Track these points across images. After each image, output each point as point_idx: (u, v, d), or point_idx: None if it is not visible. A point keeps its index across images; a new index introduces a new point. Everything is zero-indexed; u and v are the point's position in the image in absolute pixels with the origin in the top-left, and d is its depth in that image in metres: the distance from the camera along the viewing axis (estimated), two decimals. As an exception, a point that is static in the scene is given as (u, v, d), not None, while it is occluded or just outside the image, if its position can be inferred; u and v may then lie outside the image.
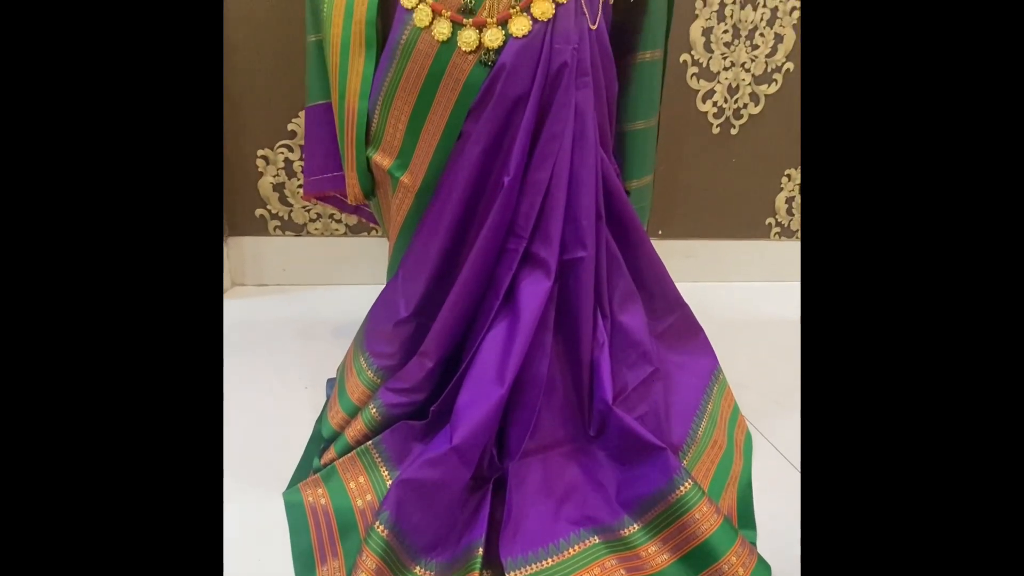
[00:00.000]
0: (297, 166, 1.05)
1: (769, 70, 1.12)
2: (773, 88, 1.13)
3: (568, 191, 0.54)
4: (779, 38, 1.10)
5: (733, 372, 0.83)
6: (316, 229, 1.09)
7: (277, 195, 1.06)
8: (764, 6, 1.07)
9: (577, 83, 0.54)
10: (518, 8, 0.51)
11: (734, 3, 1.06)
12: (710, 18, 1.06)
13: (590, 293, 0.55)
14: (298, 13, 0.93)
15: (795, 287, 1.26)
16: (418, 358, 0.55)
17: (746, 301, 1.19)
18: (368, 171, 0.64)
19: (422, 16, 0.53)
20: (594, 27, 0.55)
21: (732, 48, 1.09)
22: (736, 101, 1.13)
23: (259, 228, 1.08)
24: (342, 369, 0.70)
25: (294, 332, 0.93)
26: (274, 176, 1.05)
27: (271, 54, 0.96)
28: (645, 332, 0.58)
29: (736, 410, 0.68)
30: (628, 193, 0.71)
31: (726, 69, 1.10)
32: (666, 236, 1.22)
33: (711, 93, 1.12)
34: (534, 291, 0.52)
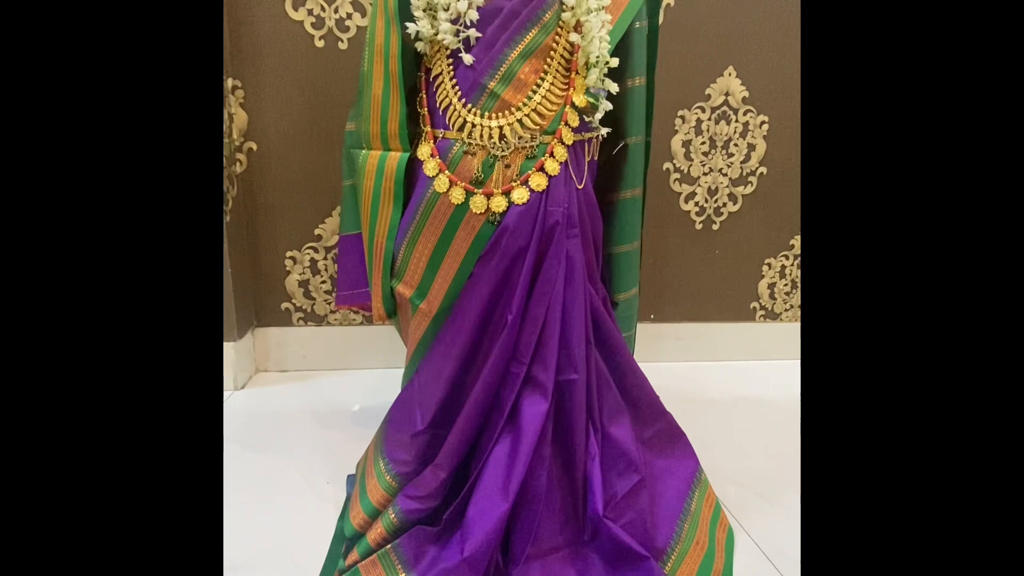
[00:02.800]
0: (321, 265, 1.16)
1: (744, 174, 1.25)
2: (749, 189, 1.26)
3: (561, 323, 0.64)
4: (751, 147, 1.24)
5: (718, 458, 0.90)
6: (335, 319, 1.20)
7: (302, 290, 1.17)
8: (736, 121, 1.21)
9: (567, 234, 0.65)
10: (518, 181, 0.63)
11: (710, 119, 1.20)
12: (688, 132, 1.21)
13: (582, 410, 0.64)
14: (325, 131, 1.08)
15: (780, 365, 1.35)
16: (432, 469, 0.64)
17: (734, 380, 1.27)
18: (391, 296, 0.74)
19: (441, 183, 0.65)
20: (580, 187, 0.67)
21: (710, 156, 1.23)
22: (716, 201, 1.26)
23: (284, 320, 1.18)
24: (363, 467, 0.78)
25: (314, 419, 1.01)
26: (300, 274, 1.16)
27: (301, 167, 1.10)
28: (632, 442, 0.66)
29: (718, 509, 0.74)
30: (616, 305, 0.81)
31: (705, 174, 1.24)
32: (657, 320, 1.32)
33: (692, 195, 1.25)
34: (534, 412, 0.61)
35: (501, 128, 0.62)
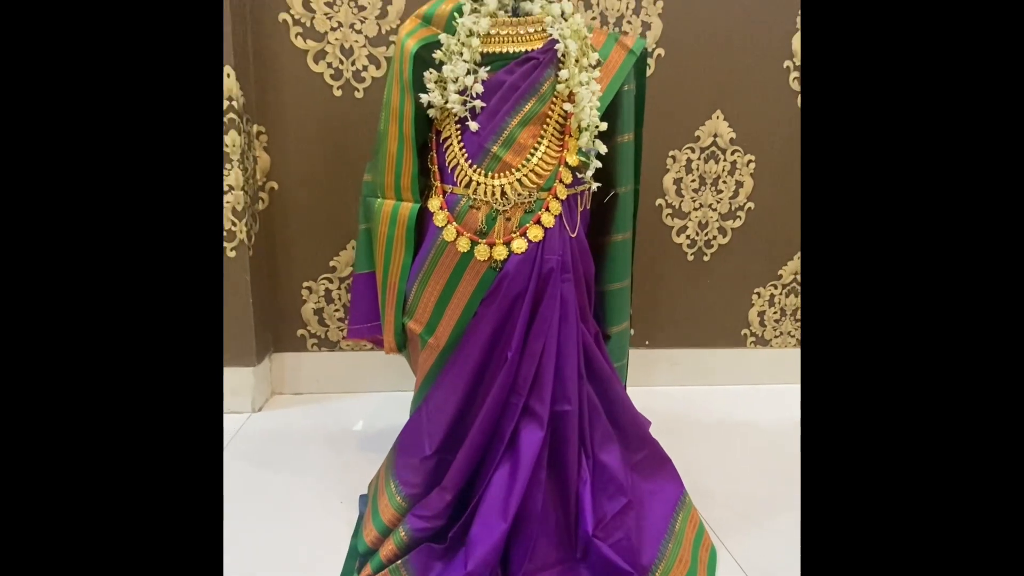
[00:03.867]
0: (335, 294, 1.24)
1: (733, 209, 1.33)
2: (738, 223, 1.34)
3: (556, 359, 0.71)
4: (739, 184, 1.32)
5: (707, 480, 0.96)
6: (347, 346, 1.27)
7: (317, 318, 1.25)
8: (725, 160, 1.29)
9: (561, 278, 0.72)
10: (518, 233, 0.71)
11: (699, 159, 1.28)
12: (679, 171, 1.29)
13: (575, 438, 0.71)
14: (340, 172, 1.17)
15: (772, 389, 1.41)
16: (439, 491, 0.70)
17: (726, 404, 1.32)
18: (402, 332, 0.82)
19: (449, 233, 0.73)
20: (574, 235, 0.75)
21: (700, 193, 1.31)
22: (706, 234, 1.33)
23: (299, 346, 1.26)
24: (374, 488, 0.84)
25: (327, 440, 1.08)
26: (315, 303, 1.24)
27: (317, 205, 1.19)
28: (620, 468, 0.73)
29: (701, 529, 0.80)
30: (608, 338, 0.88)
31: (696, 209, 1.31)
32: (652, 346, 1.39)
33: (684, 229, 1.32)
34: (531, 440, 0.68)
35: (503, 186, 0.70)
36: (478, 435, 0.70)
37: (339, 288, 1.24)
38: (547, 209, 0.71)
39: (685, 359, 1.40)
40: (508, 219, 0.71)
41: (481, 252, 0.71)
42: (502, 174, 0.70)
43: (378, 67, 1.13)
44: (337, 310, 1.25)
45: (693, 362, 1.40)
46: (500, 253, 0.71)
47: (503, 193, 0.71)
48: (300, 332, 1.25)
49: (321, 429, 1.12)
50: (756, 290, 1.39)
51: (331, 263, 1.23)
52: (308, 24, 1.11)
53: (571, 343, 0.72)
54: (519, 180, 0.70)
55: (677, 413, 1.29)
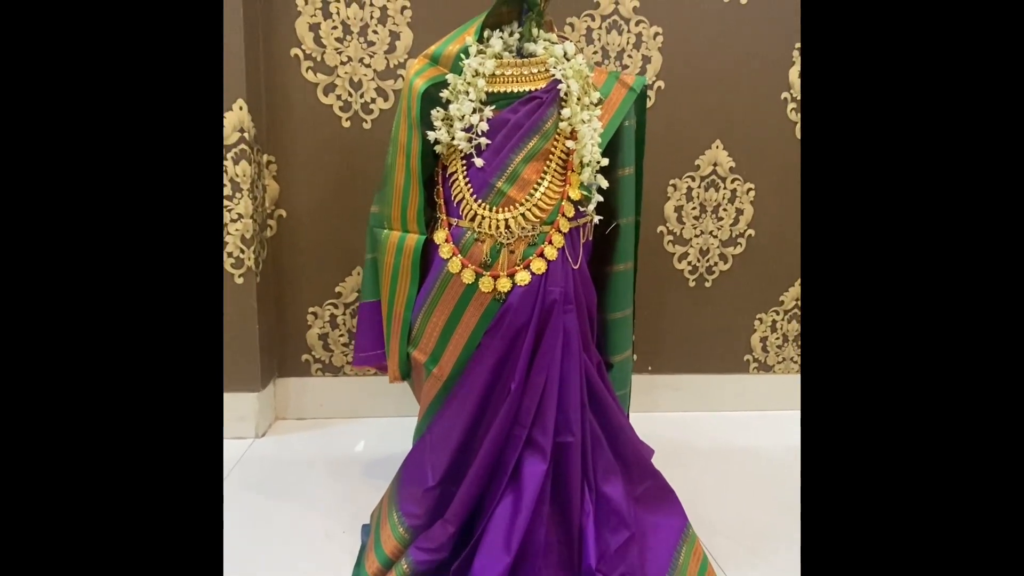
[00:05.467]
0: (340, 320, 1.25)
1: (734, 235, 1.34)
2: (739, 249, 1.35)
3: (559, 390, 0.72)
4: (740, 211, 1.33)
5: (710, 510, 0.95)
6: (352, 371, 1.28)
7: (321, 343, 1.26)
8: (725, 188, 1.32)
9: (564, 309, 0.74)
10: (521, 266, 0.72)
11: (699, 187, 1.31)
12: (680, 199, 1.31)
13: (578, 470, 0.71)
14: (347, 200, 1.19)
15: (774, 416, 1.40)
16: (442, 523, 0.70)
17: (729, 430, 1.32)
18: (407, 360, 0.83)
19: (454, 265, 0.74)
20: (576, 267, 0.76)
21: (700, 220, 1.33)
22: (707, 260, 1.35)
23: (303, 370, 1.27)
24: (377, 518, 0.84)
25: (330, 467, 1.08)
26: (320, 328, 1.25)
27: (324, 232, 1.21)
28: (623, 500, 0.73)
29: (705, 562, 0.80)
30: (611, 366, 0.89)
31: (697, 236, 1.33)
32: (655, 371, 1.39)
33: (685, 255, 1.34)
34: (534, 473, 0.68)
35: (507, 220, 0.72)
36: (481, 467, 0.70)
37: (344, 314, 1.25)
38: (550, 242, 0.73)
39: (688, 385, 1.40)
40: (512, 252, 0.73)
41: (485, 284, 0.73)
42: (506, 208, 0.72)
43: (386, 99, 1.17)
44: (342, 335, 1.26)
45: (696, 388, 1.40)
46: (504, 285, 0.72)
47: (507, 227, 0.72)
48: (305, 357, 1.26)
49: (324, 455, 1.12)
50: (758, 316, 1.40)
51: (337, 289, 1.24)
52: (319, 58, 1.14)
53: (574, 374, 0.72)
54: (523, 214, 0.72)
55: (680, 440, 1.28)
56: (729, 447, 1.24)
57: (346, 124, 1.17)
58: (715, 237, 1.34)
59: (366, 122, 1.17)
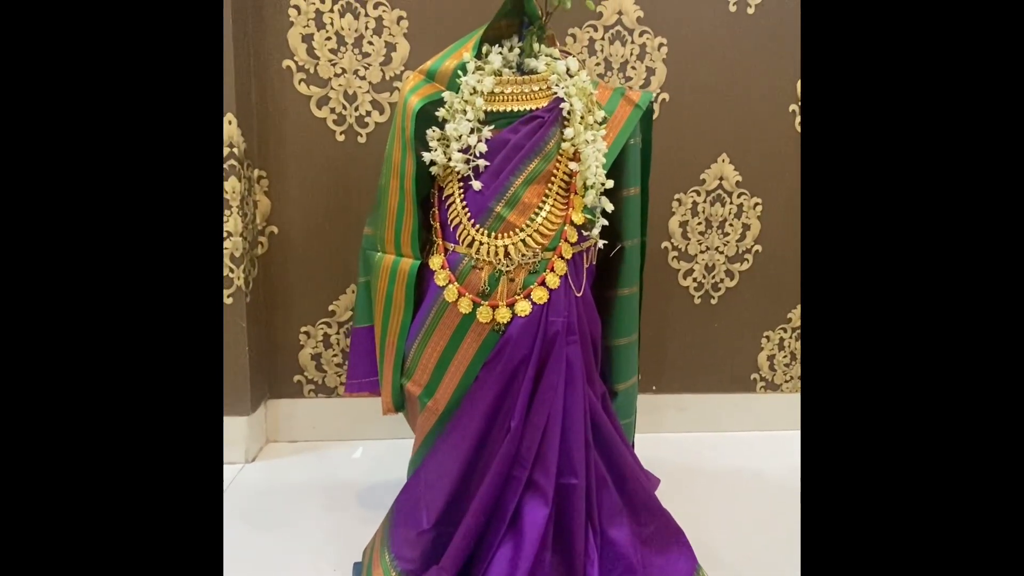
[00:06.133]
0: (333, 339, 1.21)
1: (740, 251, 1.30)
2: (746, 265, 1.31)
3: (562, 428, 0.67)
4: (746, 227, 1.29)
5: (717, 539, 0.91)
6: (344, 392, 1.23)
7: (314, 363, 1.22)
8: (731, 203, 1.28)
9: (567, 340, 0.69)
10: (521, 295, 0.68)
11: (705, 202, 1.27)
12: (685, 214, 1.27)
13: (582, 514, 0.66)
14: (341, 216, 1.15)
15: (782, 435, 1.36)
16: (437, 570, 0.66)
17: (735, 451, 1.28)
18: (400, 392, 0.78)
19: (451, 293, 0.70)
20: (579, 294, 0.72)
21: (706, 236, 1.28)
22: (713, 277, 1.31)
23: (295, 391, 1.22)
24: (369, 556, 0.80)
25: (322, 495, 1.03)
26: (313, 348, 1.21)
27: (317, 249, 1.17)
28: (630, 544, 0.68)
29: (717, 608, 0.75)
30: (615, 395, 0.84)
31: (702, 252, 1.29)
32: (660, 391, 1.34)
33: (690, 271, 1.30)
34: (535, 518, 0.64)
35: (506, 247, 0.68)
36: (479, 510, 0.66)
37: (338, 333, 1.21)
38: (552, 270, 0.69)
39: (693, 404, 1.35)
40: (512, 280, 0.69)
41: (483, 314, 0.68)
42: (506, 234, 0.68)
43: (382, 112, 1.13)
44: (335, 355, 1.22)
45: (701, 408, 1.35)
46: (503, 316, 0.68)
47: (507, 253, 0.68)
48: (297, 378, 1.22)
49: (316, 481, 1.08)
50: (765, 334, 1.35)
51: (330, 307, 1.20)
52: (312, 70, 1.10)
53: (577, 409, 0.68)
54: (523, 240, 0.68)
55: (685, 462, 1.24)
56: (736, 469, 1.20)
57: (340, 138, 1.13)
58: (721, 253, 1.30)
59: (361, 136, 1.13)
